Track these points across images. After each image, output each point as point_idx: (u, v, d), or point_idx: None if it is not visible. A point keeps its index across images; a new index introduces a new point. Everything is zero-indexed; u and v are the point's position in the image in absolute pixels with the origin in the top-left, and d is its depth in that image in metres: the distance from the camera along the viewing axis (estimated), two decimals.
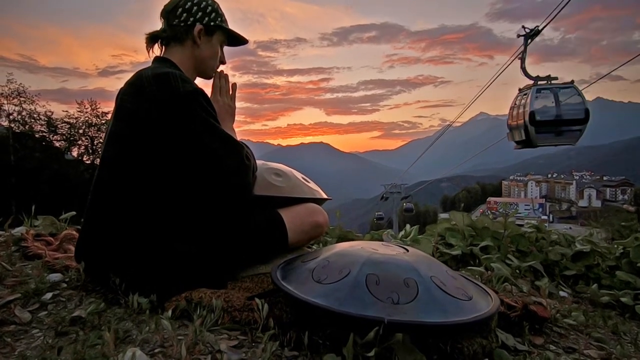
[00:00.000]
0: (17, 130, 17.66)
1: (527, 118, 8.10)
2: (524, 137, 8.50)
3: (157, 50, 1.23)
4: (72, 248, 1.37)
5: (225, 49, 1.31)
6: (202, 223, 1.12)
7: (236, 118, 1.35)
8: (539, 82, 8.49)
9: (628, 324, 1.23)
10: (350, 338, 0.69)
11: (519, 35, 9.30)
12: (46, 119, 18.73)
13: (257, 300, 0.87)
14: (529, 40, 9.13)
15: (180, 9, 1.17)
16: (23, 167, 16.30)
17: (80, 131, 19.64)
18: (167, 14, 1.19)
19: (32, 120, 18.33)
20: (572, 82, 8.46)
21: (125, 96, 1.07)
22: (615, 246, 1.75)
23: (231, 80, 1.33)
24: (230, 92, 1.32)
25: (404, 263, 0.88)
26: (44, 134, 18.97)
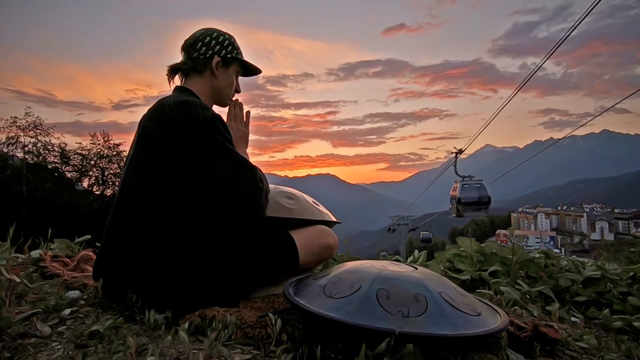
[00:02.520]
0: (30, 162, 18.13)
1: (457, 199, 15.95)
2: (456, 211, 16.38)
3: (177, 81, 1.32)
4: (89, 268, 1.41)
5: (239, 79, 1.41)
6: (216, 244, 1.16)
7: None
8: (464, 179, 16.47)
9: None
10: (362, 348, 0.71)
11: (450, 153, 17.65)
12: (60, 150, 19.24)
13: (270, 315, 0.89)
14: (458, 156, 17.19)
15: (199, 43, 1.28)
16: (35, 198, 16.57)
17: (92, 162, 20.07)
18: (188, 47, 1.29)
19: (46, 151, 18.85)
20: (482, 180, 16.37)
21: (147, 122, 1.15)
22: (626, 272, 1.73)
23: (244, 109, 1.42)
24: (245, 119, 1.40)
25: (414, 279, 0.90)
26: (57, 164, 19.42)
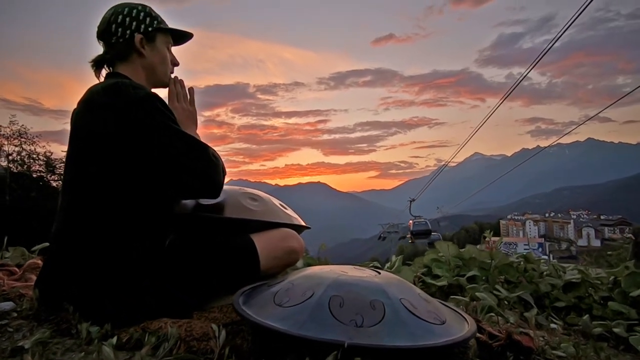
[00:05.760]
0: (15, 171, 17.69)
1: (411, 231, 25.69)
2: (411, 239, 25.87)
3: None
4: (34, 277, 1.30)
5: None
6: (167, 247, 1.07)
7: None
8: (415, 217, 26.57)
9: (622, 356, 1.15)
10: None
11: (407, 200, 28.47)
12: (45, 159, 18.84)
13: (213, 327, 0.81)
14: (412, 202, 27.48)
15: (113, 25, 1.12)
16: (18, 207, 16.12)
17: None
18: (103, 34, 1.14)
19: (31, 160, 18.44)
20: (427, 219, 26.75)
21: (79, 115, 1.03)
22: (607, 276, 1.68)
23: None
24: (189, 97, 1.27)
25: (372, 285, 0.82)
26: (42, 173, 19.00)
